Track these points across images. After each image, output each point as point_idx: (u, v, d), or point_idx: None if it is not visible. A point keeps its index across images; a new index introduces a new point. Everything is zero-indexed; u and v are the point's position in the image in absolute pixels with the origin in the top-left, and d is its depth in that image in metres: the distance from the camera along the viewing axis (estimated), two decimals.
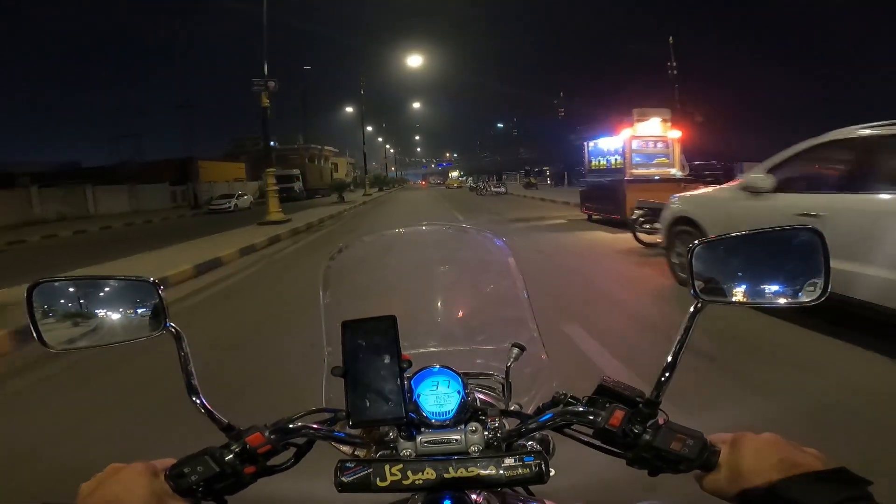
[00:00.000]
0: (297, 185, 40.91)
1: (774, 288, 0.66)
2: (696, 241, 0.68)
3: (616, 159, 11.82)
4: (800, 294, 0.65)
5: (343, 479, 0.56)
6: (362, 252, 1.10)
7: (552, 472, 0.57)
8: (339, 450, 0.70)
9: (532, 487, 0.67)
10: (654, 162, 11.11)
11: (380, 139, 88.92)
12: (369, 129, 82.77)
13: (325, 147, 78.69)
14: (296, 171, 42.29)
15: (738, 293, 0.67)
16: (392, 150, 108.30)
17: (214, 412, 0.65)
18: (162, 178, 38.39)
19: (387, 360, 0.58)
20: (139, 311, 0.72)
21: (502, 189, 29.70)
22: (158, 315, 0.71)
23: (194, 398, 0.66)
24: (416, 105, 61.84)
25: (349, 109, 55.43)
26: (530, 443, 0.66)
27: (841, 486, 0.45)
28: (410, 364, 0.64)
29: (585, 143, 13.10)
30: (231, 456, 0.58)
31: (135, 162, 44.96)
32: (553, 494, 0.68)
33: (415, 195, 40.92)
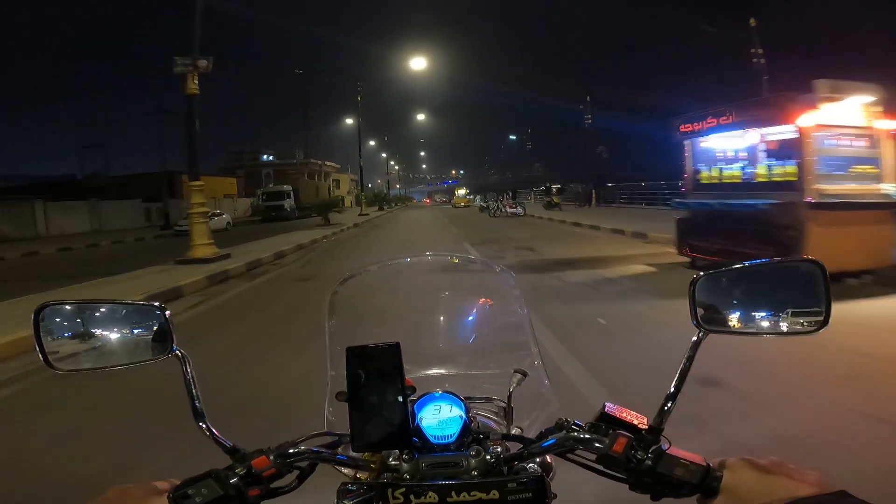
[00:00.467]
0: (289, 204, 36.25)
1: (776, 317, 0.68)
2: (699, 273, 0.69)
3: (736, 170, 6.88)
4: (801, 323, 0.66)
5: (346, 502, 0.57)
6: (369, 279, 1.11)
7: (555, 496, 0.58)
8: (342, 472, 0.69)
9: None
10: (851, 171, 5.96)
11: (383, 154, 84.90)
12: (371, 143, 79.00)
13: (326, 162, 74.54)
14: (287, 188, 37.56)
15: (741, 323, 0.69)
16: (396, 167, 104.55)
17: (219, 435, 0.65)
18: (136, 193, 34.02)
19: (391, 385, 0.59)
20: (145, 334, 0.73)
21: (519, 210, 24.98)
22: (165, 339, 0.72)
23: (200, 422, 0.66)
24: (421, 117, 57.56)
25: (349, 121, 50.79)
26: (531, 466, 0.66)
27: None
28: (414, 390, 0.64)
29: (690, 142, 7.90)
30: (236, 479, 0.59)
31: (102, 176, 40.32)
32: None
33: (417, 215, 36.11)
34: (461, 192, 53.50)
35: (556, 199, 26.32)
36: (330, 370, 0.85)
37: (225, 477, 0.59)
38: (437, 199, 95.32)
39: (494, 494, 0.56)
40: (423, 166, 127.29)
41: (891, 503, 1.94)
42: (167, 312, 0.73)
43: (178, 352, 0.71)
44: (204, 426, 0.66)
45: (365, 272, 1.08)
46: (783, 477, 0.51)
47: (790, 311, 0.67)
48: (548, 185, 30.55)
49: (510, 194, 32.91)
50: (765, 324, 0.68)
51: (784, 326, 0.67)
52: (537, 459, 0.67)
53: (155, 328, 0.73)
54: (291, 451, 0.63)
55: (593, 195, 28.11)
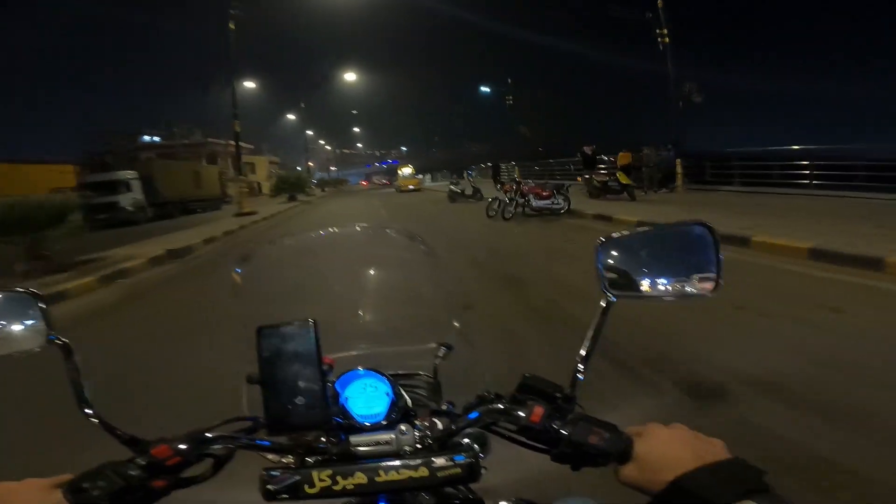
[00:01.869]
0: (129, 199, 21.62)
1: (676, 281, 0.69)
2: (602, 238, 0.70)
3: None
4: (697, 286, 0.68)
5: (269, 487, 0.54)
6: (277, 256, 1.06)
7: (485, 470, 0.58)
8: (266, 458, 0.64)
9: (473, 486, 0.66)
10: None
11: (309, 133, 69.34)
12: (290, 117, 63.31)
13: (233, 143, 58.53)
14: (127, 175, 22.57)
15: (645, 288, 0.69)
16: (327, 146, 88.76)
17: (114, 426, 0.61)
18: None
19: (307, 365, 0.56)
20: (19, 323, 0.70)
21: (560, 203, 11.19)
22: (41, 327, 0.69)
23: (88, 411, 0.63)
24: (350, 77, 42.74)
25: (250, 85, 35.62)
26: (465, 441, 0.64)
27: (740, 476, 0.47)
28: (331, 368, 0.62)
29: None
30: (136, 469, 0.55)
31: None
32: (494, 490, 0.68)
33: (347, 207, 23.29)
34: (406, 170, 40.06)
35: (624, 179, 12.36)
36: (244, 352, 0.72)
37: (124, 468, 0.55)
38: (377, 181, 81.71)
39: (424, 472, 0.55)
40: (359, 145, 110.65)
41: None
42: (41, 299, 0.69)
43: (57, 340, 0.67)
44: (95, 418, 0.62)
45: (272, 246, 1.03)
46: (688, 444, 0.52)
47: (688, 274, 0.68)
48: (588, 151, 15.71)
49: (510, 171, 17.54)
50: (667, 288, 0.69)
51: (684, 290, 0.68)
52: (473, 433, 0.65)
53: (28, 316, 0.70)
54: (199, 438, 0.58)
55: (679, 171, 13.70)
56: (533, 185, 11.70)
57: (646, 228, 0.72)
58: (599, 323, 0.66)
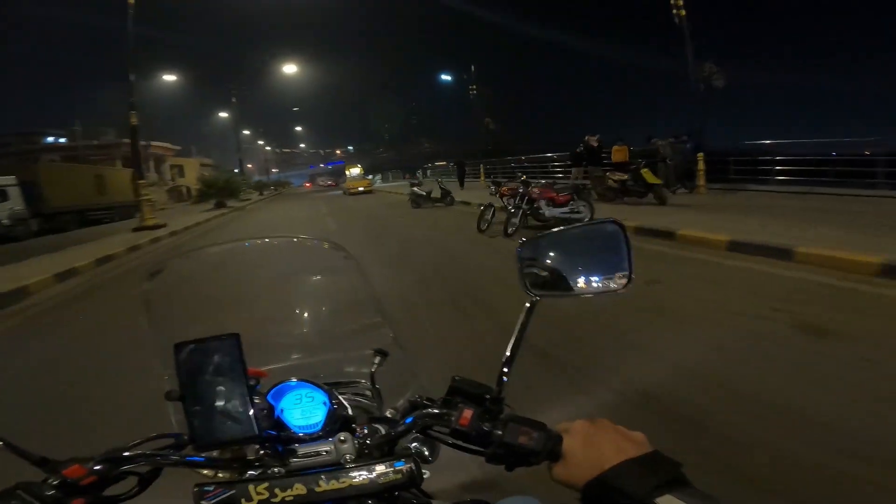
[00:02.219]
0: (5, 211, 17.21)
1: (594, 277, 0.70)
2: (523, 239, 0.73)
3: None
4: (613, 281, 0.69)
5: (204, 503, 0.53)
6: (193, 269, 1.01)
7: (427, 474, 0.58)
8: (201, 474, 0.63)
9: (428, 490, 0.67)
10: None
11: (246, 132, 63.61)
12: (222, 115, 57.41)
13: (155, 143, 51.76)
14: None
15: (565, 286, 0.70)
16: (268, 147, 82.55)
17: (21, 447, 0.57)
18: None
19: (231, 378, 0.55)
20: None
21: (582, 211, 7.99)
22: None
23: None
24: (291, 69, 37.76)
25: (170, 78, 30.63)
26: (415, 444, 0.65)
27: (657, 470, 0.48)
28: (259, 381, 0.62)
29: None
30: (50, 490, 0.52)
31: None
32: (446, 494, 0.68)
33: (286, 214, 19.44)
34: (355, 171, 36.26)
35: (651, 177, 9.47)
36: (164, 371, 0.71)
37: (37, 489, 0.52)
38: (322, 183, 76.78)
39: (364, 479, 0.55)
40: (302, 145, 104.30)
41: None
42: None
43: None
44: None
45: (185, 259, 1.01)
46: (610, 439, 0.53)
47: (604, 271, 0.69)
48: (593, 143, 12.12)
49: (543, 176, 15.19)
50: (585, 285, 0.70)
51: (602, 285, 0.69)
52: (420, 439, 0.66)
53: None
54: (116, 457, 0.56)
55: (700, 168, 10.80)
56: (544, 187, 8.46)
57: (561, 228, 0.74)
58: (524, 323, 0.66)
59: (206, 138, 69.06)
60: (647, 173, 9.56)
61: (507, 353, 0.65)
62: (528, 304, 0.68)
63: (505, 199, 8.49)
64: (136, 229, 13.85)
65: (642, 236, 7.00)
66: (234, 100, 36.12)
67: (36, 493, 0.52)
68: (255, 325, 0.74)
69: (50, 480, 0.53)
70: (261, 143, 79.65)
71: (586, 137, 12.08)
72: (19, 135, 46.44)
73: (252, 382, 0.57)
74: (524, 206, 7.98)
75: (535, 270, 0.72)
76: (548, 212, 8.04)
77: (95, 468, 0.55)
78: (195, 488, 0.54)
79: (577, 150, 13.03)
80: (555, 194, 8.15)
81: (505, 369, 0.64)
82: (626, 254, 0.69)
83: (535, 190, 8.15)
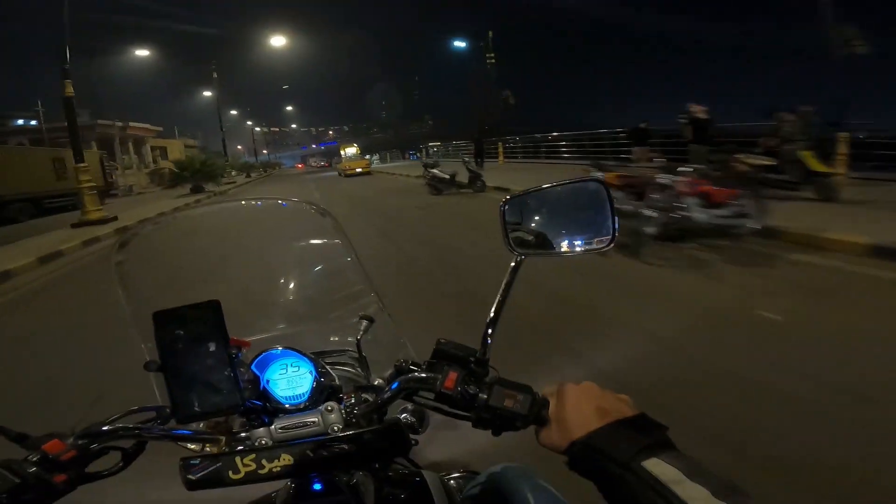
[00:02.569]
0: None
1: (578, 236, 0.69)
2: (507, 197, 0.71)
3: None
4: (597, 239, 0.68)
5: (190, 476, 0.52)
6: (166, 238, 0.94)
7: (416, 442, 0.58)
8: (187, 448, 0.62)
9: (417, 459, 0.66)
10: None
11: (233, 112, 59.77)
12: (206, 93, 53.41)
13: (133, 124, 47.91)
14: None
15: (549, 245, 0.70)
16: (257, 128, 78.44)
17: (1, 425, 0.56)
18: None
19: (212, 347, 0.54)
20: None
21: (748, 214, 4.75)
22: None
23: None
24: (279, 42, 33.65)
25: (143, 53, 27.07)
26: (405, 415, 0.64)
27: (643, 433, 0.48)
28: (240, 349, 0.58)
29: None
30: (31, 466, 0.52)
31: None
32: (436, 464, 0.69)
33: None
34: (351, 150, 33.03)
35: (814, 163, 6.10)
36: (144, 342, 0.70)
37: (18, 466, 0.51)
38: (314, 164, 73.23)
39: (351, 447, 0.54)
40: (293, 126, 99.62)
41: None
42: None
43: None
44: None
45: (157, 228, 0.94)
46: (596, 401, 0.52)
47: (587, 228, 0.69)
48: (701, 114, 8.12)
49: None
50: (569, 243, 0.70)
51: (585, 243, 0.69)
52: (409, 407, 0.65)
53: None
54: (96, 431, 0.55)
55: (842, 152, 6.76)
56: (694, 175, 5.11)
57: (545, 185, 0.71)
58: (508, 282, 0.64)
59: (191, 119, 65.10)
60: (808, 157, 6.52)
61: (492, 314, 0.62)
62: (512, 264, 0.65)
63: (625, 192, 5.35)
64: (76, 224, 10.83)
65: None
66: (215, 75, 32.31)
67: (17, 470, 0.50)
68: (236, 293, 0.70)
69: (30, 457, 0.52)
70: (249, 123, 75.58)
71: (690, 106, 8.81)
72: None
73: (234, 352, 0.55)
74: (673, 205, 4.82)
75: (520, 230, 0.70)
76: (700, 215, 4.88)
77: (76, 443, 0.54)
78: (181, 462, 0.52)
79: (640, 125, 11.51)
80: (713, 188, 4.99)
81: (489, 330, 0.61)
82: (609, 212, 0.68)
83: (683, 181, 4.96)
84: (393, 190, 14.97)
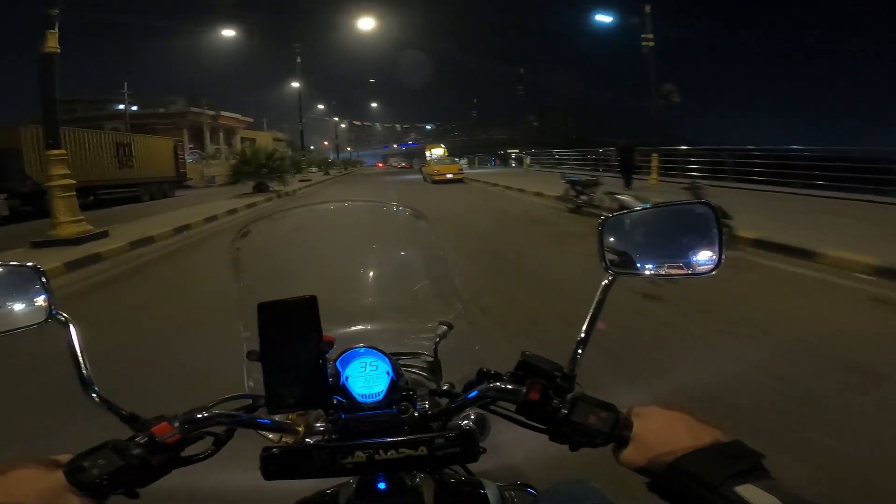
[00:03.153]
0: None
1: (678, 259, 0.68)
2: (606, 216, 0.70)
3: None
4: (698, 265, 0.66)
5: (269, 466, 0.54)
6: (277, 231, 0.99)
7: (484, 450, 0.57)
8: (266, 437, 0.65)
9: (470, 466, 0.65)
10: None
11: (320, 106, 58.43)
12: (294, 84, 52.10)
13: (224, 113, 47.38)
14: None
15: (646, 266, 0.68)
16: (342, 124, 77.59)
17: (114, 403, 0.59)
18: None
19: (306, 342, 0.55)
20: (20, 299, 0.66)
21: None
22: (42, 303, 0.66)
23: (89, 391, 0.60)
24: (366, 25, 30.58)
25: (228, 33, 24.47)
26: (466, 422, 0.64)
27: (736, 459, 0.46)
28: (332, 345, 0.60)
29: None
30: (136, 448, 0.53)
31: None
32: (493, 473, 0.66)
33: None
34: (438, 151, 28.57)
35: None
36: (244, 330, 0.75)
37: (124, 447, 0.52)
38: (395, 164, 70.43)
39: (423, 451, 0.54)
40: (377, 124, 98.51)
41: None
42: (43, 274, 0.66)
43: (58, 315, 0.64)
44: (94, 394, 0.60)
45: (271, 220, 0.97)
46: (687, 427, 0.50)
47: (688, 252, 0.67)
48: None
49: None
50: (667, 266, 0.68)
51: (684, 268, 0.67)
52: (472, 414, 0.65)
53: (31, 291, 0.66)
54: (199, 416, 0.57)
55: None
56: None
57: (648, 206, 0.71)
58: (600, 301, 0.64)
59: (279, 111, 64.77)
60: None
61: (583, 332, 0.63)
62: (604, 282, 0.65)
63: None
64: (38, 244, 6.97)
65: None
66: (298, 59, 29.32)
67: (122, 451, 0.52)
68: (328, 289, 0.69)
69: (138, 439, 0.54)
70: (335, 119, 74.63)
71: None
72: (87, 102, 43.44)
73: (325, 347, 0.57)
74: None
75: (616, 249, 0.69)
76: None
77: (182, 427, 0.55)
78: (262, 452, 0.54)
79: None
80: None
81: (579, 348, 0.62)
82: (715, 237, 0.66)
83: None
84: (519, 217, 9.62)
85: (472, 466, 0.62)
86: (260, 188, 17.55)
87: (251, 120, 55.04)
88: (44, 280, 0.66)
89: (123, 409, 0.58)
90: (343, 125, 79.08)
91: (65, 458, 0.52)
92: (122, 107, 45.60)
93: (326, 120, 65.90)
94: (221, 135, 50.72)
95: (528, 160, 25.64)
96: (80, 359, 0.61)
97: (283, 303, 0.55)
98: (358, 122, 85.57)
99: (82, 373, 0.61)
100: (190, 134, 46.38)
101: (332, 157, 62.55)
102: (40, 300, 0.66)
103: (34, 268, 0.66)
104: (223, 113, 46.89)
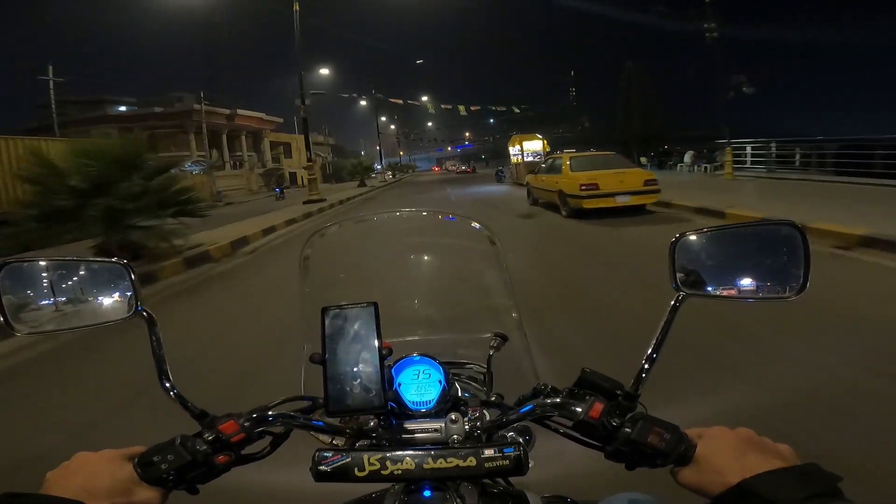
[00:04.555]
0: None
1: (754, 282, 0.64)
2: (679, 234, 0.66)
3: None
4: (778, 288, 0.63)
5: (321, 468, 0.53)
6: (342, 237, 1.01)
7: (532, 464, 0.56)
8: (318, 438, 0.65)
9: (512, 479, 0.66)
10: None
11: (361, 101, 48.32)
12: (323, 71, 42.00)
13: (240, 112, 37.56)
14: None
15: (720, 286, 0.65)
16: (392, 126, 67.31)
17: (187, 399, 0.60)
18: None
19: (367, 347, 0.56)
20: (110, 294, 0.68)
21: None
22: (130, 298, 0.67)
23: (166, 384, 0.62)
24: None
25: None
26: (511, 434, 0.63)
27: (812, 482, 0.44)
28: (391, 352, 0.60)
29: None
30: (203, 444, 0.55)
31: None
32: (533, 485, 0.66)
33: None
34: (533, 144, 16.28)
35: None
36: (306, 332, 0.75)
37: (192, 443, 0.54)
38: (452, 168, 60.07)
39: (472, 461, 0.53)
40: (429, 124, 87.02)
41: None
42: (132, 270, 0.67)
43: (143, 312, 0.66)
44: (170, 389, 0.61)
45: (338, 227, 0.98)
46: (754, 448, 0.49)
47: (770, 275, 0.64)
48: None
49: None
50: (744, 288, 0.65)
51: (763, 291, 0.64)
52: (517, 426, 0.64)
53: (120, 286, 0.68)
54: (262, 416, 0.58)
55: None
56: None
57: (726, 226, 0.67)
58: (668, 320, 0.62)
59: (335, 118, 55.53)
60: None
61: (650, 351, 0.61)
62: (673, 302, 0.63)
63: None
64: None
65: None
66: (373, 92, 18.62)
67: (189, 447, 0.53)
68: (388, 296, 0.71)
69: (206, 435, 0.55)
70: (383, 119, 64.63)
71: None
72: (82, 102, 35.15)
73: (385, 353, 0.57)
74: None
75: (688, 268, 0.65)
76: None
77: (246, 425, 0.56)
78: (315, 453, 0.54)
79: None
80: None
81: (646, 366, 0.60)
82: (801, 260, 0.62)
83: None
84: None
85: (515, 479, 0.61)
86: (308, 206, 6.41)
87: (280, 120, 45.14)
88: (132, 277, 0.67)
89: (194, 406, 0.59)
90: (392, 127, 68.78)
91: (137, 450, 0.54)
92: (123, 109, 37.40)
93: (372, 121, 55.72)
94: (244, 138, 41.62)
95: (725, 157, 13.32)
96: (160, 353, 0.62)
97: (345, 308, 0.56)
98: (412, 135, 74.34)
99: (161, 368, 0.62)
100: (210, 138, 37.43)
101: (377, 165, 52.11)
102: (128, 296, 0.67)
103: (125, 264, 0.68)
104: (241, 112, 37.26)
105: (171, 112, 33.60)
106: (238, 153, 38.11)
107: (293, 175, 43.34)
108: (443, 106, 30.74)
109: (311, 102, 15.89)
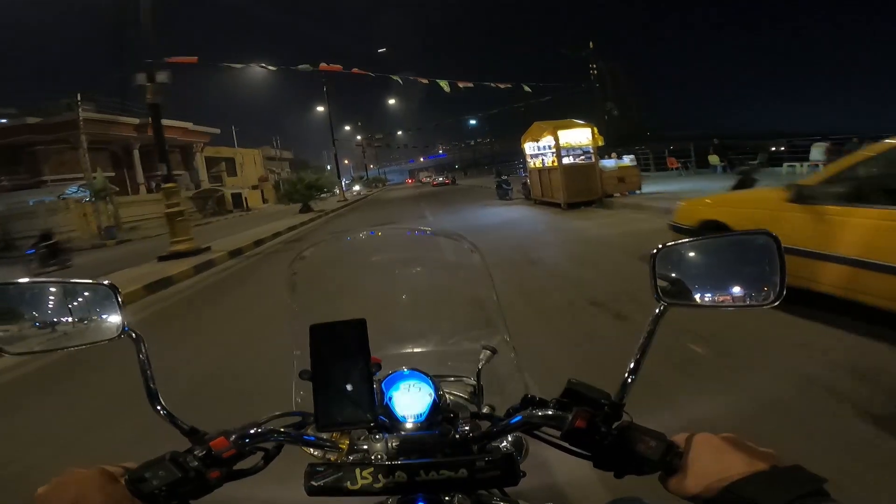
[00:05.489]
0: None
1: (734, 290, 0.66)
2: (660, 245, 0.68)
3: None
4: (757, 296, 0.65)
5: (313, 482, 0.55)
6: (329, 254, 1.04)
7: (524, 474, 0.58)
8: (310, 453, 0.67)
9: (506, 489, 0.67)
10: None
11: (319, 108, 41.07)
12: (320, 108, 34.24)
13: (170, 122, 29.45)
14: None
15: (700, 296, 0.67)
16: (359, 136, 59.91)
17: (176, 417, 0.61)
18: None
19: (356, 363, 0.56)
20: (96, 315, 0.70)
21: None
22: (116, 319, 0.68)
23: (155, 403, 0.63)
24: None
25: None
26: (504, 444, 0.65)
27: (797, 484, 0.44)
28: (380, 367, 0.62)
29: None
30: (195, 461, 0.55)
31: None
32: (526, 495, 0.65)
33: None
34: (576, 134, 8.62)
35: None
36: (295, 349, 0.79)
37: (183, 459, 0.55)
38: (427, 180, 57.24)
39: (463, 473, 0.54)
40: (399, 133, 79.57)
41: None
42: (118, 292, 0.68)
43: (130, 332, 0.67)
44: (160, 408, 0.62)
45: (325, 244, 1.01)
46: (740, 452, 0.50)
47: (747, 283, 0.65)
48: None
49: None
50: (723, 297, 0.66)
51: (741, 299, 0.66)
52: (510, 438, 0.65)
53: (106, 307, 0.69)
54: (253, 431, 0.59)
55: None
56: None
57: (705, 236, 0.69)
58: (651, 330, 0.62)
59: (295, 135, 47.89)
60: None
61: (633, 361, 0.61)
62: (656, 311, 0.64)
63: None
64: None
65: None
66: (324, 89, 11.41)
67: (181, 464, 0.53)
68: (377, 311, 0.73)
69: (197, 452, 0.55)
70: (346, 127, 57.22)
71: None
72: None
73: (373, 368, 0.58)
74: None
75: (669, 278, 0.67)
76: None
77: (237, 442, 0.57)
78: (308, 468, 0.55)
79: None
80: None
81: (629, 377, 0.60)
82: (777, 268, 0.63)
83: None
84: None
85: (509, 489, 0.62)
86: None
87: (216, 131, 37.37)
88: (118, 298, 0.68)
89: (184, 423, 0.59)
90: (359, 136, 61.29)
91: (129, 466, 0.54)
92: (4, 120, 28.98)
93: (340, 135, 48.39)
94: (178, 155, 33.68)
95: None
96: (148, 373, 0.63)
97: (334, 325, 0.56)
98: (379, 143, 66.44)
99: (149, 386, 0.62)
100: (115, 155, 29.24)
101: (345, 179, 44.59)
102: (114, 316, 0.68)
103: (110, 285, 0.68)
104: (164, 122, 29.39)
105: (50, 124, 25.56)
106: (157, 173, 30.09)
107: (237, 196, 35.56)
108: (421, 80, 22.51)
109: (166, 79, 8.86)
